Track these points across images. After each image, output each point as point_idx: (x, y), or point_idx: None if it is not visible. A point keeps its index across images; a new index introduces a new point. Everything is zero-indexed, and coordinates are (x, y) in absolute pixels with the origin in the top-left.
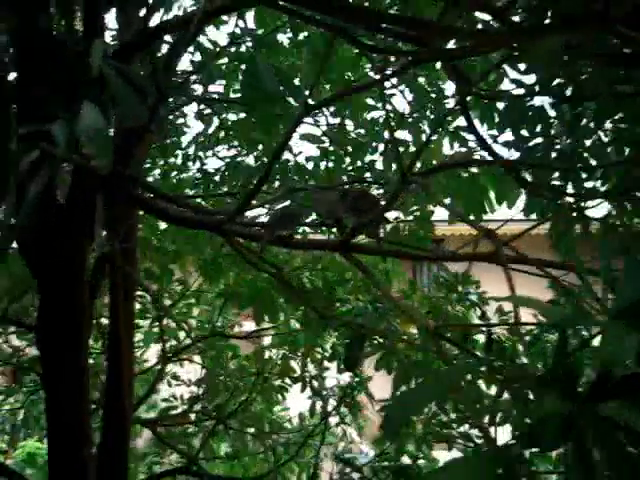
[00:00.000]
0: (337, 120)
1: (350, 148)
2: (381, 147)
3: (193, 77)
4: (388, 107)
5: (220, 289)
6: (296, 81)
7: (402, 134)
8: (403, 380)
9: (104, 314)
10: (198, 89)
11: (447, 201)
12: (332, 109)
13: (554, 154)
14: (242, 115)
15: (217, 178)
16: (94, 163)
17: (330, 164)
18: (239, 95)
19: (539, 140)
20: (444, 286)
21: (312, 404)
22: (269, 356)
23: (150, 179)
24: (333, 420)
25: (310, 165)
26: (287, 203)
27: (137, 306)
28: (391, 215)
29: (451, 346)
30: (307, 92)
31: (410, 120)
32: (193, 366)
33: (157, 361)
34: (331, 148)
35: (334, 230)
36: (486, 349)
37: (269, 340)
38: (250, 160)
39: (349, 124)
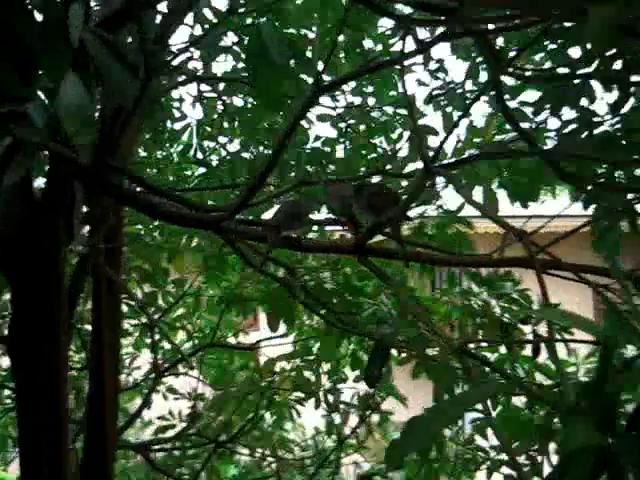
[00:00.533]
0: (358, 100)
1: (371, 133)
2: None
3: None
4: (413, 87)
5: (223, 291)
6: (308, 54)
7: (432, 119)
8: (445, 389)
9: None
10: (199, 68)
11: (479, 193)
12: (353, 85)
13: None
14: (249, 101)
15: (221, 172)
16: (75, 143)
17: (346, 151)
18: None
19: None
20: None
21: (328, 422)
22: (281, 368)
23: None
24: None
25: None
26: (295, 198)
27: (126, 309)
28: (416, 211)
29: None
30: (320, 67)
31: (441, 101)
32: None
33: (149, 372)
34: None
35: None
36: (533, 358)
37: (275, 351)
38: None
39: (372, 105)
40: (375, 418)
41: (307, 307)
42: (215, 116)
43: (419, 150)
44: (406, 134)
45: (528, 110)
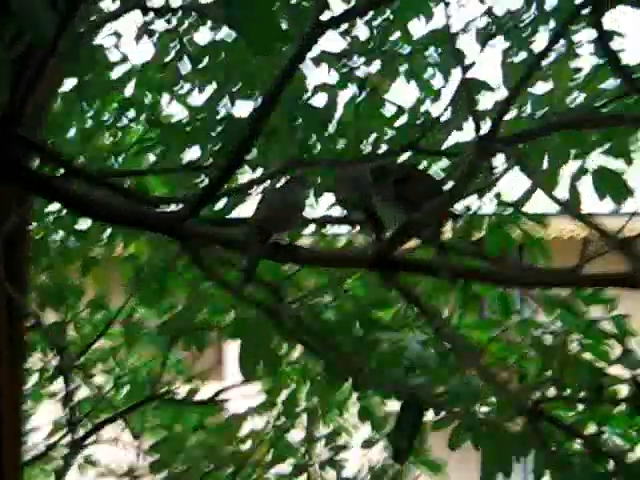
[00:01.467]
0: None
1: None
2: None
3: None
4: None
5: (166, 317)
6: None
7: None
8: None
9: None
10: None
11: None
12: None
13: None
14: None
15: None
16: None
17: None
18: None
19: None
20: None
21: None
22: (252, 430)
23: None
24: None
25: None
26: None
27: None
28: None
29: None
30: None
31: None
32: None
33: (62, 436)
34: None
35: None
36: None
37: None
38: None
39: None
40: None
41: (301, 344)
42: (168, 58)
43: (471, 114)
44: (447, 90)
45: None
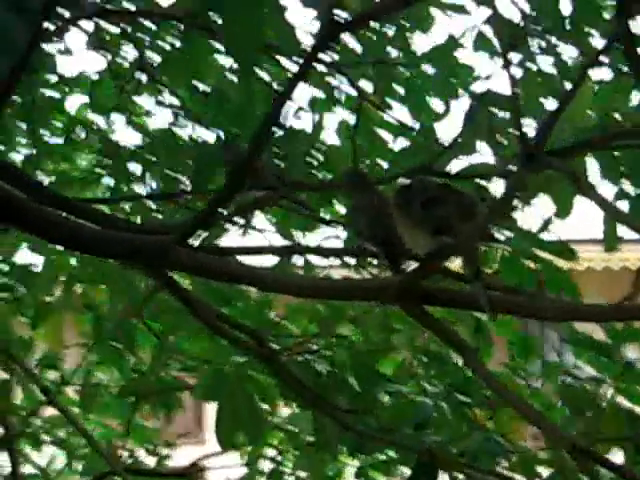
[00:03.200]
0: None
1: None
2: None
3: None
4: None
5: (129, 375)
6: None
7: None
8: None
9: None
10: None
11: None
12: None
13: None
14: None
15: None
16: None
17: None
18: None
19: None
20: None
21: None
22: None
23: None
24: None
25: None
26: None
27: None
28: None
29: None
30: None
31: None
32: None
33: None
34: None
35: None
36: None
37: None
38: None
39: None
40: None
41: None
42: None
43: (515, 122)
44: (456, 105)
45: None
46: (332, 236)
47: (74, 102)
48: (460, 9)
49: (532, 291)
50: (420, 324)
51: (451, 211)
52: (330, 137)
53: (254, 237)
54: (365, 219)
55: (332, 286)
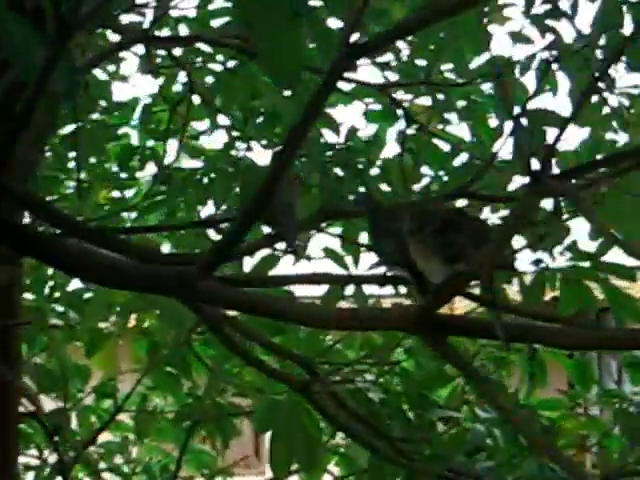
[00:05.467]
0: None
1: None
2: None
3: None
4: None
5: (183, 401)
6: None
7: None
8: None
9: None
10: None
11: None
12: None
13: None
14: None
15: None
16: None
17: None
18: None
19: None
20: None
21: None
22: None
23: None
24: None
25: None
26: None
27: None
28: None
29: None
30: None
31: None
32: None
33: None
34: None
35: None
36: None
37: None
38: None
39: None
40: None
41: (341, 430)
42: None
43: (519, 150)
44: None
45: None
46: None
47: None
48: (525, 39)
49: (569, 318)
50: (439, 355)
51: (463, 237)
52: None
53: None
54: (393, 243)
55: (353, 316)
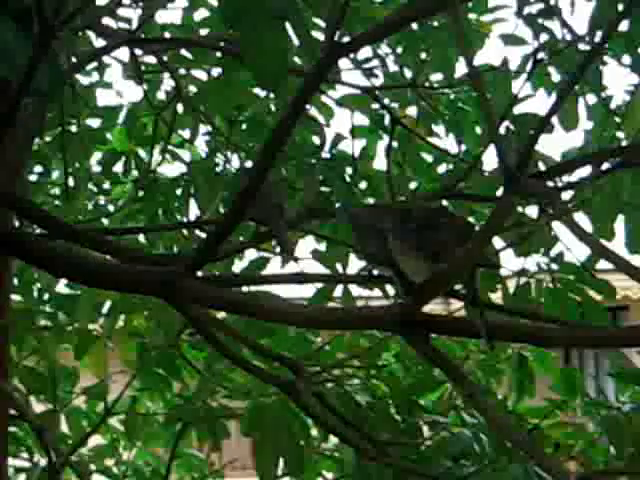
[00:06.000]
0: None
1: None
2: None
3: None
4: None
5: (173, 404)
6: None
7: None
8: None
9: None
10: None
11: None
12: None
13: None
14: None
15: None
16: None
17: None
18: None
19: None
20: None
21: None
22: None
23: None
24: None
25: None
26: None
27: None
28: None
29: None
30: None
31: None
32: None
33: None
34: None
35: None
36: None
37: None
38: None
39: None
40: None
41: (328, 432)
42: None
43: (500, 149)
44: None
45: None
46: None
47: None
48: (519, 41)
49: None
50: (420, 355)
51: (445, 235)
52: (376, 162)
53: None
54: (376, 243)
55: (334, 315)
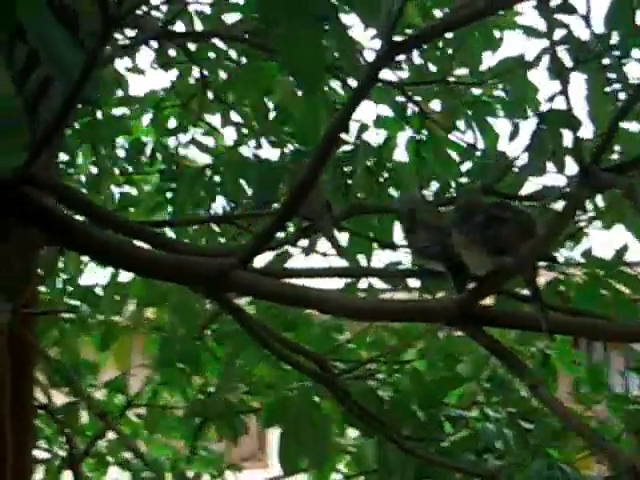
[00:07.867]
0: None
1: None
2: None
3: None
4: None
5: (194, 398)
6: None
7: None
8: None
9: None
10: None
11: None
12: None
13: None
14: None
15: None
16: None
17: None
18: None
19: None
20: None
21: None
22: None
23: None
24: None
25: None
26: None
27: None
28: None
29: None
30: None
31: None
32: None
33: None
34: None
35: None
36: None
37: None
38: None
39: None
40: None
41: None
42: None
43: (541, 149)
44: (526, 126)
45: None
46: (396, 262)
47: (142, 121)
48: (533, 32)
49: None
50: (482, 346)
51: (510, 230)
52: (399, 154)
53: (317, 260)
54: (429, 236)
55: (391, 308)
